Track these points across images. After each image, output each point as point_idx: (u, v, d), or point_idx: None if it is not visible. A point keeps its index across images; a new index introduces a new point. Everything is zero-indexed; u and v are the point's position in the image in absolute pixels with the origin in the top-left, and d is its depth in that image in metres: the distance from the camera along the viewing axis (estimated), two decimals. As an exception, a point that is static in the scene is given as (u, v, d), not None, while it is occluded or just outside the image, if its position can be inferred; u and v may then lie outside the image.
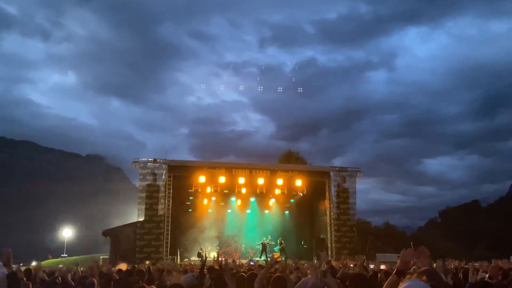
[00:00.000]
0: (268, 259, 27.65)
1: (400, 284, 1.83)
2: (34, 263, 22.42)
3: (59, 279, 8.14)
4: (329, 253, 28.16)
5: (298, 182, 29.49)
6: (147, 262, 18.65)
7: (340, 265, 10.41)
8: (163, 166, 27.67)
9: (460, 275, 8.09)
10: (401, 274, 2.93)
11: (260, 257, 29.07)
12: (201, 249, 28.66)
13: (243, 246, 32.06)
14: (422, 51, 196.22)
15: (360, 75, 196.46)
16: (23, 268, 11.42)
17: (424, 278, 1.85)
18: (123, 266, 14.49)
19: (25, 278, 7.68)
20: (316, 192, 30.98)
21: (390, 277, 3.27)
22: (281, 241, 30.18)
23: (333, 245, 28.94)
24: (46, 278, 9.01)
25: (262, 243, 29.82)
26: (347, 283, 5.65)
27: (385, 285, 3.24)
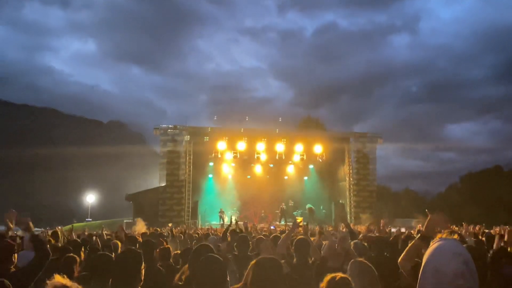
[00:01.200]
0: (288, 223, 28.00)
1: (432, 243, 1.81)
2: (59, 227, 23.10)
3: (85, 242, 8.40)
4: (348, 217, 28.37)
5: (318, 148, 29.40)
6: (170, 224, 19.04)
7: (360, 230, 10.49)
8: (183, 132, 27.91)
9: (483, 239, 8.04)
10: (425, 239, 2.92)
11: (279, 222, 29.44)
12: (221, 211, 29.05)
13: (262, 211, 32.43)
14: (446, 13, 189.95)
15: (382, 39, 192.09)
16: (50, 231, 11.78)
17: (456, 236, 1.85)
18: (142, 228, 14.84)
19: (53, 240, 7.95)
20: (335, 158, 30.92)
21: (413, 241, 3.26)
22: (311, 208, 30.48)
23: (352, 210, 29.10)
24: (73, 239, 9.27)
25: (281, 208, 30.15)
26: (369, 246, 5.71)
27: (407, 248, 3.23)
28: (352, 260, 3.68)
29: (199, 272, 2.44)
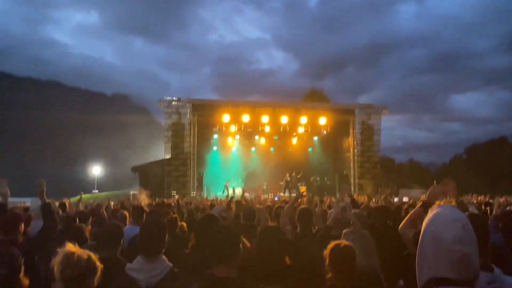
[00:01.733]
0: (292, 194, 28.26)
1: (430, 211, 1.84)
2: (66, 199, 23.38)
3: (93, 213, 8.52)
4: (352, 189, 28.54)
5: (322, 120, 29.26)
6: (176, 196, 19.22)
7: (362, 201, 10.58)
8: (187, 105, 27.85)
9: (487, 208, 8.11)
10: (428, 206, 2.95)
11: (283, 193, 29.67)
12: (227, 182, 29.29)
13: (265, 183, 32.65)
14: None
15: (388, 8, 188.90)
16: (57, 203, 11.95)
17: (454, 203, 1.87)
18: (145, 198, 14.95)
19: (61, 211, 8.09)
20: (340, 129, 30.85)
21: (415, 208, 3.31)
22: (315, 179, 30.71)
23: (356, 181, 29.23)
24: (80, 210, 9.41)
25: (285, 179, 30.36)
26: (372, 215, 5.79)
27: (409, 215, 3.28)
28: (346, 229, 3.74)
29: (213, 242, 2.50)
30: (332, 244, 3.11)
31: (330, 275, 3.01)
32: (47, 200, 4.48)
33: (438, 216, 1.69)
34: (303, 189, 25.23)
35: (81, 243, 4.00)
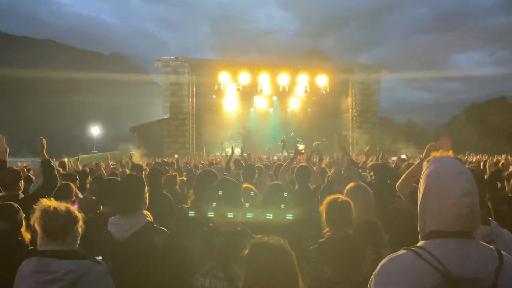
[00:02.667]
0: (290, 154, 28.40)
1: (427, 164, 1.82)
2: (66, 159, 23.47)
3: (92, 172, 8.57)
4: (351, 148, 28.68)
5: (321, 80, 29.01)
6: (176, 155, 19.25)
7: (360, 159, 10.62)
8: (185, 64, 27.52)
9: (486, 167, 8.14)
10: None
11: (281, 153, 29.85)
12: (222, 143, 29.35)
13: (265, 143, 32.72)
14: None
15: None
16: (56, 163, 11.98)
17: (450, 153, 1.84)
18: (138, 161, 14.96)
19: (61, 170, 8.11)
20: (339, 89, 30.63)
21: (413, 166, 3.30)
22: (317, 144, 30.80)
23: (355, 141, 29.29)
24: (80, 169, 9.47)
25: (282, 139, 30.48)
26: (371, 172, 5.82)
27: (406, 172, 3.28)
28: (349, 185, 3.76)
29: (215, 193, 2.51)
30: (328, 198, 3.13)
31: (327, 229, 3.05)
32: (47, 158, 4.48)
33: (442, 169, 1.67)
34: (302, 146, 25.44)
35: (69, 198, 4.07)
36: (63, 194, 4.04)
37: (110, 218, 2.93)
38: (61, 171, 7.83)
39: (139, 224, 2.84)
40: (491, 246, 1.66)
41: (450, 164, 1.68)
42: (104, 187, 3.64)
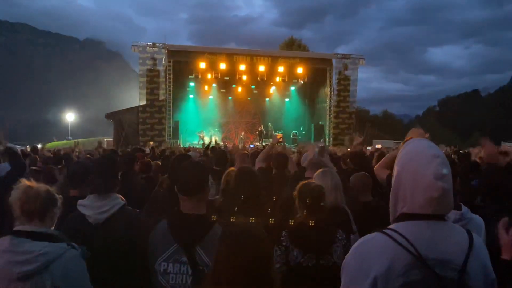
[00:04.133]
0: (267, 143, 28.51)
1: (403, 146, 1.82)
2: (39, 145, 23.04)
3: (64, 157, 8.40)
4: (327, 138, 28.98)
5: (300, 70, 29.07)
6: (151, 142, 19.06)
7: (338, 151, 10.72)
8: (163, 50, 27.12)
9: (455, 158, 8.33)
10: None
11: (258, 142, 29.96)
12: (201, 132, 29.29)
13: (242, 132, 32.73)
14: None
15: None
16: (28, 148, 11.76)
17: (427, 135, 1.85)
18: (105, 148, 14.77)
19: (32, 154, 7.95)
20: (317, 79, 30.77)
21: (392, 151, 3.33)
22: (295, 133, 30.99)
23: (331, 131, 29.54)
24: (51, 155, 9.31)
25: (259, 130, 30.64)
26: (347, 159, 5.87)
27: (384, 157, 3.31)
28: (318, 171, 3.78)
29: (181, 175, 2.47)
30: (300, 184, 3.15)
31: (299, 213, 3.06)
32: (9, 144, 4.49)
33: (417, 152, 1.67)
34: (279, 135, 25.57)
35: (52, 182, 3.95)
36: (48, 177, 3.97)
37: (79, 200, 2.86)
38: (33, 155, 7.67)
39: (115, 206, 2.78)
40: (461, 227, 1.67)
41: (425, 147, 1.68)
42: (74, 170, 3.56)
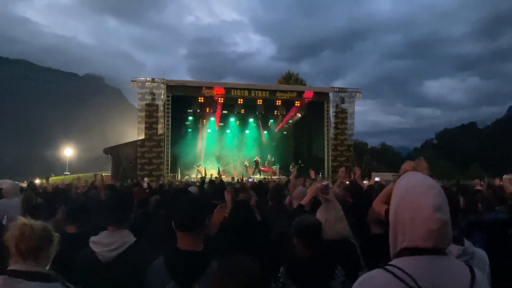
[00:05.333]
0: (264, 176, 28.61)
1: (399, 179, 1.82)
2: (37, 180, 22.94)
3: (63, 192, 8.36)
4: (326, 171, 28.99)
5: (297, 103, 29.45)
6: (146, 179, 18.98)
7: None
8: (162, 85, 27.41)
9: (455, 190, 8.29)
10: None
11: (252, 174, 30.09)
12: (199, 166, 29.41)
13: (240, 165, 32.85)
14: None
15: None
16: (24, 184, 11.69)
17: (420, 166, 1.84)
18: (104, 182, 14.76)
19: (29, 190, 7.90)
20: (315, 112, 31.03)
21: (387, 186, 3.32)
22: (293, 166, 31.13)
23: (330, 164, 29.55)
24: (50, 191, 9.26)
25: (254, 161, 30.83)
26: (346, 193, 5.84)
27: (382, 191, 3.29)
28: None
29: (178, 211, 2.45)
30: (298, 218, 3.14)
31: (297, 247, 3.03)
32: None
33: (413, 184, 1.67)
34: (293, 167, 26.16)
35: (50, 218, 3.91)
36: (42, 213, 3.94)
37: (91, 237, 2.80)
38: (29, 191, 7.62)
39: (126, 244, 2.73)
40: (463, 263, 1.65)
41: (421, 179, 1.68)
42: (72, 206, 3.52)
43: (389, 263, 1.61)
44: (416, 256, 1.57)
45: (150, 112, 27.07)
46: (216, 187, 6.11)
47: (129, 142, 29.10)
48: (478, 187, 8.62)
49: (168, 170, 27.16)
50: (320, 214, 3.30)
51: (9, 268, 2.21)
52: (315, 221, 3.08)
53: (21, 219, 2.31)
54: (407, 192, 1.65)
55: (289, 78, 55.56)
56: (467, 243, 2.68)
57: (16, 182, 7.06)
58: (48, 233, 2.34)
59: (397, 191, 1.72)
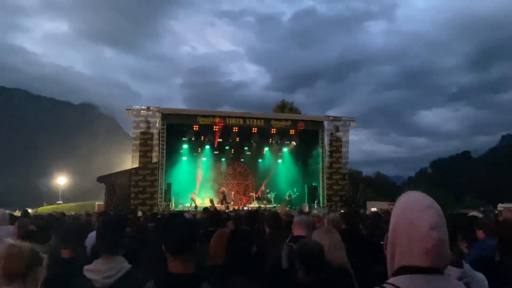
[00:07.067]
0: (258, 205, 28.61)
1: (398, 199, 1.83)
2: (30, 210, 22.70)
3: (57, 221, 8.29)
4: (321, 199, 28.95)
5: (292, 131, 29.61)
6: (140, 211, 18.82)
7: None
8: (157, 114, 27.48)
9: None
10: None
11: (251, 204, 30.14)
12: (193, 193, 29.32)
13: (233, 193, 32.83)
14: (422, 1, 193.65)
15: (359, 25, 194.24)
16: (17, 213, 11.62)
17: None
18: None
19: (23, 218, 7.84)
20: (309, 141, 31.16)
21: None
22: (290, 194, 31.17)
23: (325, 192, 29.49)
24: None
25: (250, 195, 31.36)
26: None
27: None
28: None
29: (168, 233, 2.43)
30: (299, 242, 3.12)
31: (300, 272, 3.00)
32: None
33: (411, 203, 1.68)
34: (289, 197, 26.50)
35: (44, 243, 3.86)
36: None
37: (85, 266, 2.77)
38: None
39: (121, 271, 2.71)
40: (461, 283, 1.65)
41: (418, 198, 1.68)
42: (66, 229, 3.48)
43: (386, 281, 1.61)
44: (413, 274, 1.56)
45: (145, 141, 27.04)
46: (211, 214, 6.08)
47: (123, 171, 28.99)
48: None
49: (162, 198, 26.97)
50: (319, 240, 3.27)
51: None
52: (318, 245, 3.06)
53: (9, 240, 2.27)
54: (405, 211, 1.66)
55: (283, 107, 55.97)
56: (466, 265, 2.67)
57: (7, 211, 7.06)
58: (36, 254, 2.28)
59: (395, 210, 1.73)
